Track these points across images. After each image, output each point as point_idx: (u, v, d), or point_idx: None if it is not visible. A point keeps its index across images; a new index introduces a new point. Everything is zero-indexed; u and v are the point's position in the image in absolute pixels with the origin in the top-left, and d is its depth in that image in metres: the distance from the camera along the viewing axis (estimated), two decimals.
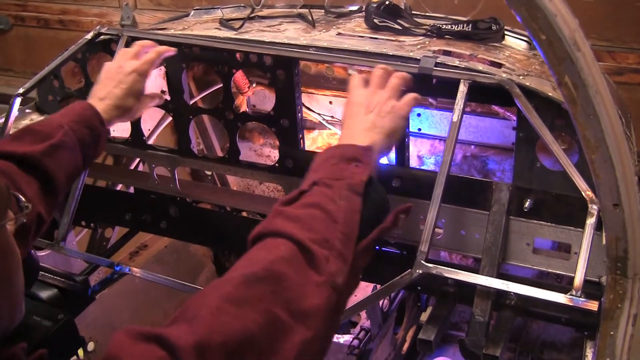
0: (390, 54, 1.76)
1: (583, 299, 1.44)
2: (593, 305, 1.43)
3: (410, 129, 2.44)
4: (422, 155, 2.62)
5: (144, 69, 1.79)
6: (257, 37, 1.93)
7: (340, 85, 2.57)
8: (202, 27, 2.10)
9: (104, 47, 2.14)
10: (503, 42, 1.95)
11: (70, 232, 2.45)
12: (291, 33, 1.99)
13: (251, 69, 1.95)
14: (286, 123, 1.91)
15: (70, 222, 2.02)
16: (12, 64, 4.46)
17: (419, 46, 1.83)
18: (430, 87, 1.71)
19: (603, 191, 1.25)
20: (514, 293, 1.55)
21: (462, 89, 1.63)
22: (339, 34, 1.98)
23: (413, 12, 2.12)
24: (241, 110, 2.74)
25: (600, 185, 1.24)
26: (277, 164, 1.97)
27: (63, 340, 1.72)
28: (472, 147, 2.41)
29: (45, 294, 1.86)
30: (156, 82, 2.36)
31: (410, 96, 1.54)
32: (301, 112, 1.92)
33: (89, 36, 2.12)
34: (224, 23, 2.05)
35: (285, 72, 1.86)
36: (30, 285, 1.74)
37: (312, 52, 1.82)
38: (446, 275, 1.54)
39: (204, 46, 1.94)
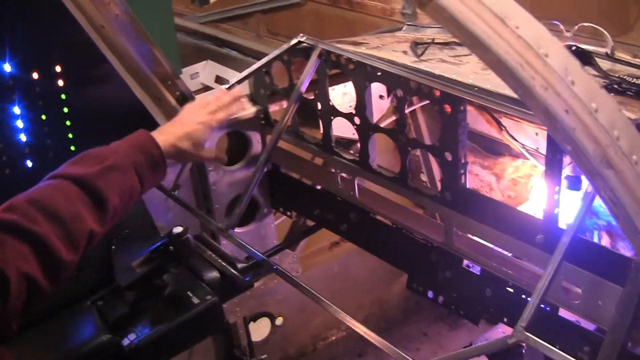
0: None
1: None
2: None
3: None
4: None
5: (211, 124, 2.01)
6: (430, 67, 1.94)
7: None
8: (391, 47, 2.15)
9: (305, 54, 2.28)
10: None
11: (269, 216, 2.68)
12: (467, 68, 1.96)
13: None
14: (449, 157, 1.90)
15: (242, 213, 2.20)
16: None
17: None
18: None
19: None
20: None
21: None
22: None
23: (618, 56, 1.98)
24: None
25: None
26: (438, 194, 1.98)
27: (206, 319, 1.91)
28: None
29: (206, 274, 2.04)
30: (344, 98, 2.50)
31: None
32: (464, 148, 1.89)
33: (292, 42, 2.28)
34: (412, 47, 2.08)
35: (451, 107, 1.85)
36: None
37: (474, 92, 1.79)
38: (541, 351, 1.48)
39: (382, 69, 1.99)
